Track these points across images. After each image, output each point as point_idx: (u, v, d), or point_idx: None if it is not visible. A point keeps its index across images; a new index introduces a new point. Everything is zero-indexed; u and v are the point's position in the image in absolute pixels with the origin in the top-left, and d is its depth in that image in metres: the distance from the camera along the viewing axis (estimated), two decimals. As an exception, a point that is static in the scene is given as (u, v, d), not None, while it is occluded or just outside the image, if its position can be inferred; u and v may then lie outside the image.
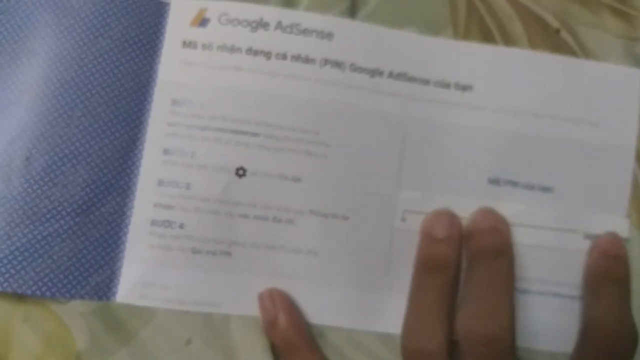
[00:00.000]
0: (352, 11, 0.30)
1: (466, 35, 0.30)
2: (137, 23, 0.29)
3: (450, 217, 0.28)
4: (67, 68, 0.28)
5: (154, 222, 0.27)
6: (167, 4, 0.29)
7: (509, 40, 0.30)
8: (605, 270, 0.28)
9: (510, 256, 0.27)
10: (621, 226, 0.29)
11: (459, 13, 0.30)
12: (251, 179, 0.28)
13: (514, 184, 0.29)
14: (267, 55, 0.28)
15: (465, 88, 0.29)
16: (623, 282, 0.28)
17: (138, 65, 0.28)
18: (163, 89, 0.28)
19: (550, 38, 0.30)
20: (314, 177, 0.28)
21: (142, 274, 0.27)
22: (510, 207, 0.28)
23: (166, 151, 0.28)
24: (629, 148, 0.29)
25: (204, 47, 0.28)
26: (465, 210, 0.28)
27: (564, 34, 0.30)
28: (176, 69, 0.28)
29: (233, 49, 0.28)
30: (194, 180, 0.28)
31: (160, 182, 0.28)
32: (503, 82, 0.29)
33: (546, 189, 0.29)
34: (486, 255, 0.27)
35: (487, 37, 0.30)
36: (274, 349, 0.27)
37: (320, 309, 0.28)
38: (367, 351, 0.28)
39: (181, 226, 0.27)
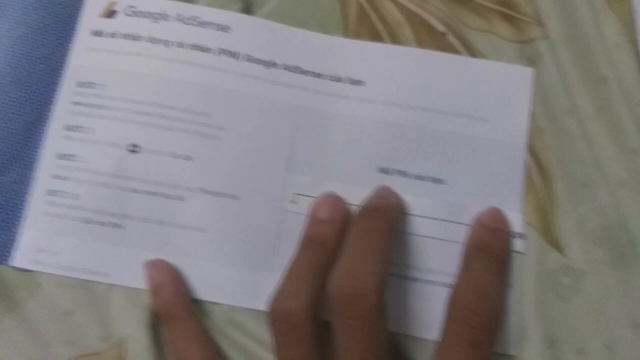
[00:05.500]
0: (246, 12, 0.31)
1: (357, 38, 0.31)
2: (53, 14, 0.30)
3: (335, 200, 0.28)
4: (-16, 50, 0.29)
5: (50, 192, 0.28)
6: (83, -2, 0.30)
7: (398, 44, 0.31)
8: (480, 242, 0.27)
9: (389, 215, 0.26)
10: (515, 220, 0.28)
11: (350, 18, 0.31)
12: (143, 156, 0.28)
13: (404, 174, 0.29)
14: (166, 43, 0.29)
15: (357, 82, 0.30)
16: (496, 255, 0.27)
17: (50, 50, 0.30)
18: (71, 72, 0.29)
19: (437, 42, 0.31)
20: (205, 157, 0.28)
21: (37, 240, 0.28)
22: (401, 196, 0.28)
23: (68, 127, 0.29)
24: (519, 144, 0.29)
25: (110, 35, 0.30)
26: (355, 196, 0.28)
27: (451, 38, 0.31)
28: (84, 55, 0.29)
29: (135, 37, 0.29)
30: (90, 154, 0.28)
31: (60, 155, 0.28)
32: (393, 78, 0.30)
33: (437, 180, 0.29)
34: (364, 213, 0.26)
35: (376, 40, 0.31)
36: (154, 323, 0.27)
37: (206, 284, 0.28)
38: (247, 331, 0.28)
39: (75, 197, 0.28)
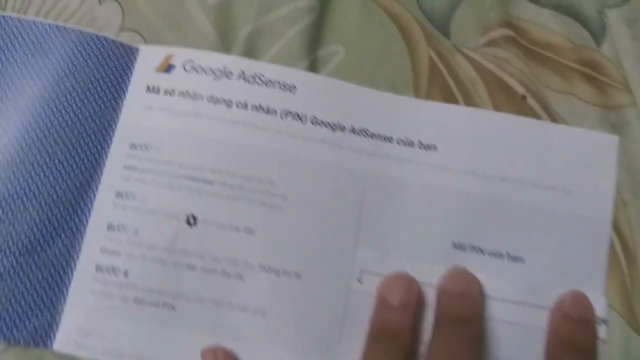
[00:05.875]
0: (312, 69, 0.28)
1: (428, 98, 0.28)
2: (105, 66, 0.28)
3: (407, 283, 0.25)
4: (29, 105, 0.27)
5: (98, 268, 0.25)
6: (136, 49, 0.28)
7: (473, 105, 0.28)
8: (565, 336, 0.24)
9: (476, 327, 0.25)
10: (597, 304, 0.26)
11: (421, 76, 0.29)
12: (201, 228, 0.26)
13: (481, 250, 0.26)
14: (228, 103, 0.27)
15: (429, 147, 0.27)
16: (583, 352, 0.24)
17: (101, 107, 0.27)
18: (123, 132, 0.27)
19: (516, 104, 0.28)
20: (266, 230, 0.26)
21: (82, 322, 0.25)
22: (476, 276, 0.26)
23: (119, 194, 0.26)
24: (604, 219, 0.27)
25: (166, 92, 0.27)
26: (427, 274, 0.26)
27: (530, 101, 0.28)
28: (137, 113, 0.27)
29: (195, 96, 0.27)
30: (143, 225, 0.26)
31: (110, 226, 0.26)
32: (468, 144, 0.27)
33: (515, 258, 0.26)
34: (449, 322, 0.24)
35: (449, 101, 0.28)
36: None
37: (266, 371, 0.25)
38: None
39: (125, 274, 0.25)
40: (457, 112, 0.28)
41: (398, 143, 0.27)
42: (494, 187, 0.27)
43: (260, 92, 0.27)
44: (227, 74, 0.27)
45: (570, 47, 0.29)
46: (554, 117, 0.28)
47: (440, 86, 0.29)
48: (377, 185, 0.27)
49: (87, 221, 0.26)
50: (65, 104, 0.27)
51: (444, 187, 0.27)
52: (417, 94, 0.29)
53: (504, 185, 0.27)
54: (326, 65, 0.29)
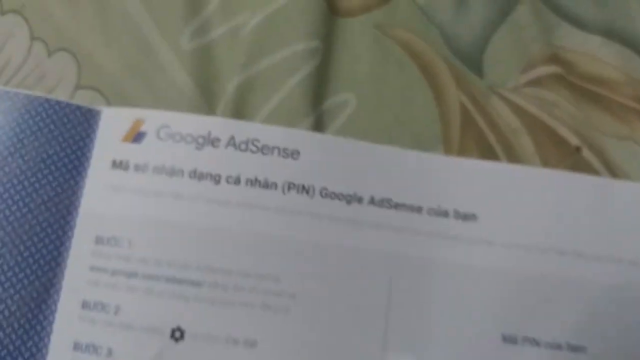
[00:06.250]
0: (317, 127, 0.23)
1: (461, 154, 0.23)
2: (58, 138, 0.22)
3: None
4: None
5: (63, 401, 0.20)
6: (97, 113, 0.22)
7: (515, 160, 0.23)
8: None
9: None
10: None
11: (452, 127, 0.24)
12: (191, 344, 0.20)
13: (535, 342, 0.22)
14: (216, 179, 0.22)
15: (467, 217, 0.23)
16: None
17: (57, 191, 0.22)
18: (86, 223, 0.21)
19: (569, 157, 0.23)
20: (272, 341, 0.21)
21: None
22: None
23: (85, 304, 0.21)
24: None
25: (137, 168, 0.22)
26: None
27: (586, 152, 0.23)
28: (102, 197, 0.22)
29: (173, 172, 0.22)
30: (118, 345, 0.20)
31: (77, 346, 0.20)
32: (514, 210, 0.23)
33: (576, 349, 0.22)
34: None
35: (487, 156, 0.23)
36: None
37: None
38: None
39: (98, 406, 0.20)
40: (498, 171, 0.23)
41: (429, 214, 0.22)
42: (548, 262, 0.22)
43: (256, 162, 0.22)
44: (212, 141, 0.22)
45: (626, 82, 0.24)
46: (614, 171, 0.23)
47: (476, 138, 0.23)
48: (406, 270, 0.22)
49: (48, 341, 0.20)
50: (12, 190, 0.21)
51: (487, 266, 0.22)
52: (447, 150, 0.23)
53: (560, 259, 0.22)
54: (334, 120, 0.23)
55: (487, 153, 0.23)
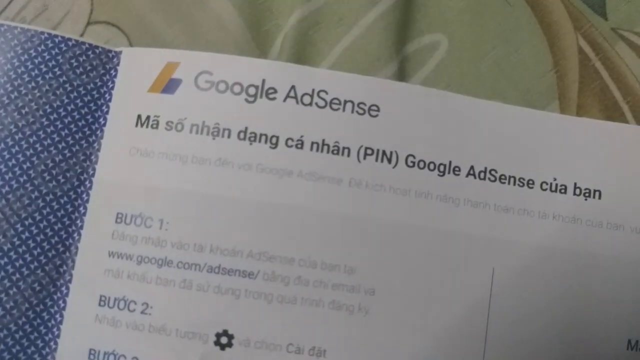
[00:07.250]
0: (400, 76, 0.18)
1: (580, 113, 0.18)
2: (64, 86, 0.17)
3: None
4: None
5: None
6: (116, 55, 0.17)
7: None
8: None
9: None
10: None
11: (569, 79, 0.18)
12: (240, 353, 0.16)
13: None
14: (272, 141, 0.17)
15: (590, 193, 0.18)
16: None
17: (64, 155, 0.17)
18: (102, 196, 0.16)
19: None
20: (346, 350, 0.16)
21: None
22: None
23: (102, 301, 0.16)
24: None
25: (170, 126, 0.17)
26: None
27: None
28: (123, 163, 0.17)
29: (217, 131, 0.17)
30: (145, 354, 0.16)
31: (93, 355, 0.16)
32: (650, 185, 0.17)
33: None
34: None
35: (612, 117, 0.18)
36: None
37: None
38: None
39: None
40: (627, 136, 0.18)
41: (543, 189, 0.17)
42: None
43: (323, 120, 0.17)
44: (267, 92, 0.17)
45: None
46: None
47: (598, 93, 0.18)
48: (514, 260, 0.17)
49: (55, 347, 0.16)
50: (5, 153, 0.16)
51: (614, 256, 0.17)
52: (563, 108, 0.18)
53: None
54: (422, 66, 0.18)
55: (612, 112, 0.18)
